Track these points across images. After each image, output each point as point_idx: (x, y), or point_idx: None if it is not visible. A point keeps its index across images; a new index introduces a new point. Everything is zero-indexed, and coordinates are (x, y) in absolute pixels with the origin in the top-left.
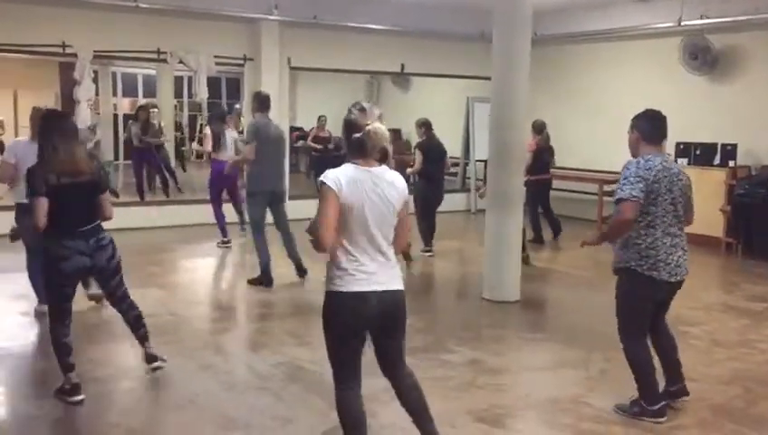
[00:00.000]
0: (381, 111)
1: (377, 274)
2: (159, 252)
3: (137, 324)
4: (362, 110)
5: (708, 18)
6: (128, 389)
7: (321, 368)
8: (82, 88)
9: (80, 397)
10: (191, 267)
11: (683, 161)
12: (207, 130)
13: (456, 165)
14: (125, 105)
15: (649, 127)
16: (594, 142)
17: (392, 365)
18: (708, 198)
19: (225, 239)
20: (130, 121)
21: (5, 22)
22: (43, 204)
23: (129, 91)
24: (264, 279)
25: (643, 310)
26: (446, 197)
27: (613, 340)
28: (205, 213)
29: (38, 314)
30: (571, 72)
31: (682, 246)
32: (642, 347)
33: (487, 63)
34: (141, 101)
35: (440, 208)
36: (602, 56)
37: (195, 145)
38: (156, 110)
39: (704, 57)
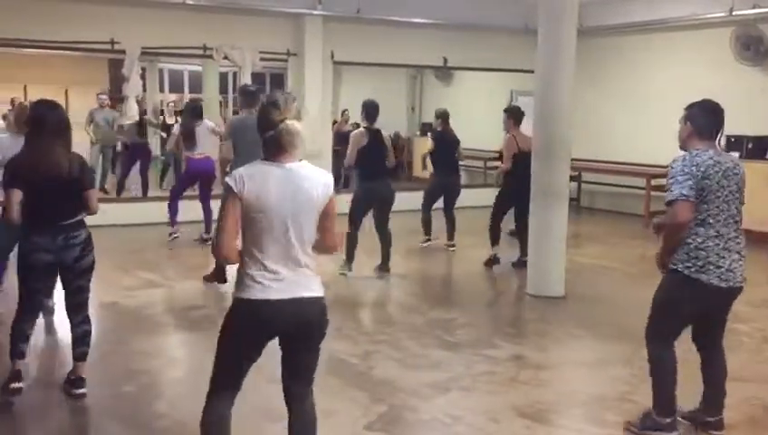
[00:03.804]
0: (297, 103)
1: (287, 280)
2: (198, 244)
3: (82, 341)
4: (275, 104)
5: (761, 8)
6: (174, 380)
7: (362, 361)
8: (130, 84)
9: (18, 384)
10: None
11: (735, 155)
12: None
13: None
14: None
15: (704, 120)
16: (641, 136)
17: (294, 387)
18: (761, 192)
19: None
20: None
21: (57, 20)
22: (14, 195)
23: (176, 87)
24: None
25: (679, 313)
26: (487, 191)
27: None
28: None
29: None
30: (618, 64)
31: (737, 250)
32: (669, 353)
33: (531, 56)
34: (187, 96)
35: (480, 202)
36: (650, 48)
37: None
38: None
39: (756, 48)
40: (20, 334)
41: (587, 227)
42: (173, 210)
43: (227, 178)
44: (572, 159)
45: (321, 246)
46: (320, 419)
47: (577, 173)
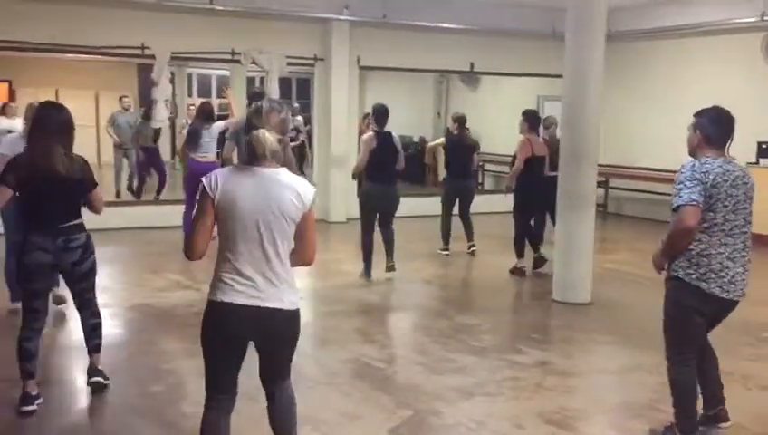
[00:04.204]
0: (285, 114)
1: (258, 287)
2: None
3: (93, 334)
4: (258, 111)
5: None
6: (201, 380)
7: (389, 366)
8: (160, 89)
9: (28, 408)
10: None
11: (765, 161)
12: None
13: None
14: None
15: (715, 129)
16: (670, 141)
17: (270, 381)
18: None
19: None
20: (140, 121)
21: (88, 26)
22: (4, 193)
23: (204, 91)
24: None
25: (691, 324)
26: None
27: None
28: None
29: (11, 312)
30: (648, 69)
31: (742, 262)
32: (688, 370)
33: (558, 61)
34: (215, 101)
35: (505, 208)
36: (681, 52)
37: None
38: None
39: None
40: (25, 353)
41: (614, 233)
42: (186, 221)
43: (203, 179)
44: (599, 165)
45: (296, 258)
46: (345, 423)
47: (604, 179)
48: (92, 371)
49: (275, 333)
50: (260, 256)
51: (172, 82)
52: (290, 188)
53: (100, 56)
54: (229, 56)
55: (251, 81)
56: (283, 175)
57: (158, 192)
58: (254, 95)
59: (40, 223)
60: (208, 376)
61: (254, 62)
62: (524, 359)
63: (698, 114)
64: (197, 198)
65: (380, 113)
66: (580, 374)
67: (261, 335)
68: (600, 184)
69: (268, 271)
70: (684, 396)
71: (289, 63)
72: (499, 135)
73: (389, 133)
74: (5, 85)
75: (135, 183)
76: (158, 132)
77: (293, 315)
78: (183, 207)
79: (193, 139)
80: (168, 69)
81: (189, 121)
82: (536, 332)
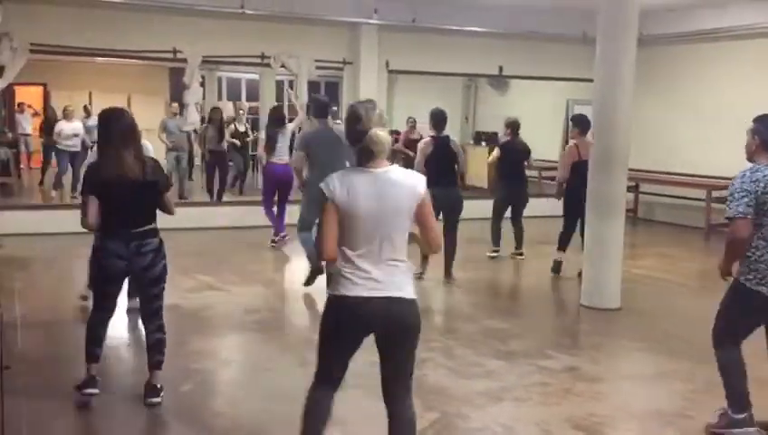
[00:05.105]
0: (377, 108)
1: (377, 280)
2: (258, 250)
3: (156, 348)
4: (357, 117)
5: None
6: (231, 380)
7: (418, 369)
8: (191, 92)
9: (91, 390)
10: (288, 266)
11: None
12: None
13: (555, 168)
14: (229, 108)
15: None
16: (704, 147)
17: (392, 395)
18: None
19: (282, 235)
20: (204, 125)
21: (122, 30)
22: (91, 202)
23: (234, 95)
24: (315, 275)
25: (744, 325)
26: (542, 201)
27: None
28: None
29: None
30: (681, 73)
31: None
32: (735, 352)
33: (589, 65)
34: (244, 104)
35: (534, 212)
36: (715, 57)
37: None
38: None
39: None
40: (92, 337)
41: (644, 238)
42: (271, 217)
43: (321, 185)
44: (630, 170)
45: (424, 245)
46: (372, 424)
47: (634, 184)
48: (149, 389)
49: (398, 320)
50: (377, 251)
51: (202, 85)
52: (402, 185)
53: (133, 60)
54: (259, 60)
55: (279, 84)
56: (396, 172)
57: (219, 195)
58: (320, 103)
59: (114, 228)
60: (320, 365)
61: (283, 66)
62: (553, 364)
63: (757, 120)
64: (322, 204)
65: (438, 118)
66: (609, 380)
67: (383, 325)
68: (630, 189)
69: (386, 264)
70: (733, 375)
71: (318, 67)
72: (529, 138)
73: (447, 137)
74: (41, 88)
75: (185, 186)
76: (222, 134)
77: (412, 302)
78: (212, 208)
79: (270, 143)
80: (198, 73)
81: (235, 123)
82: (565, 337)
